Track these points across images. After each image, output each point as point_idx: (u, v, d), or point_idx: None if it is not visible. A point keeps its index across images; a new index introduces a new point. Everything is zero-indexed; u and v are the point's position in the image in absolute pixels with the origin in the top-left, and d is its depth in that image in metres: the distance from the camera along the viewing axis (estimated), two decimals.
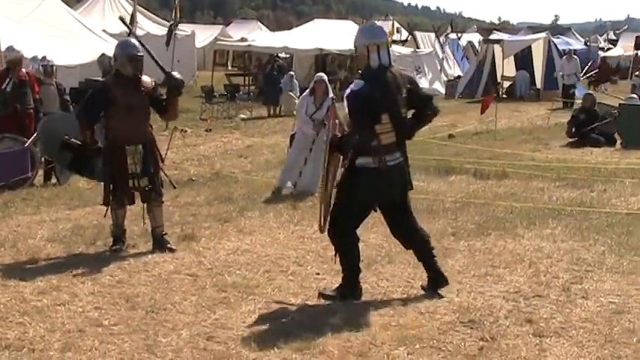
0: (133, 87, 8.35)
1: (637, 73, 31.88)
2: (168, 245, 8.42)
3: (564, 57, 29.38)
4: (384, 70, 6.78)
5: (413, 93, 6.93)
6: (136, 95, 8.34)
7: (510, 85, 31.78)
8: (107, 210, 8.59)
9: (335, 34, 32.61)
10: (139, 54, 8.40)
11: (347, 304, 6.67)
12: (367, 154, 6.70)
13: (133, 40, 8.72)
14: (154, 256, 8.19)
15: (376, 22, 48.21)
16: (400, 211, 7.01)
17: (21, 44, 12.91)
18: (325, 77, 12.20)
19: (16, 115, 12.24)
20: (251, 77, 34.41)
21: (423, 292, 7.03)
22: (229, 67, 43.94)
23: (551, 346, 5.89)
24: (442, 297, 6.87)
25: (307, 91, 12.22)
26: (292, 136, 12.44)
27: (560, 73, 28.49)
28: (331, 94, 11.67)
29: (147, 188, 8.41)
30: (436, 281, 7.02)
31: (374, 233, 9.20)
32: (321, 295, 6.91)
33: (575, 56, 29.24)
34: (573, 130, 18.11)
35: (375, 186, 6.71)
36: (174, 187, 10.44)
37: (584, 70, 31.23)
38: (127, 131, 8.27)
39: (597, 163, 14.99)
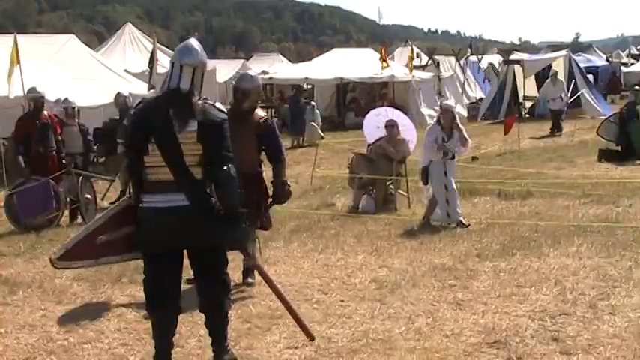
0: (238, 121, 7.36)
1: None
2: None
3: (548, 80, 26.88)
4: (169, 93, 5.67)
5: (209, 135, 5.62)
6: (235, 130, 6.54)
7: (532, 104, 31.68)
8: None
9: (355, 63, 32.75)
10: (242, 86, 7.99)
11: (372, 330, 6.66)
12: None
13: (251, 72, 8.34)
14: None
15: (399, 48, 48.27)
16: (201, 266, 6.02)
17: (44, 87, 13.09)
18: (452, 105, 11.83)
19: (39, 158, 12.39)
20: (273, 109, 34.58)
21: (447, 314, 7.00)
22: None
23: None
24: None
25: (434, 121, 11.72)
26: (423, 170, 11.64)
27: (547, 98, 26.43)
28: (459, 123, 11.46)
29: None
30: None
31: (398, 258, 9.22)
32: None
33: (561, 78, 27.23)
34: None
35: (139, 231, 5.74)
36: None
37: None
38: None
39: (622, 179, 14.88)
